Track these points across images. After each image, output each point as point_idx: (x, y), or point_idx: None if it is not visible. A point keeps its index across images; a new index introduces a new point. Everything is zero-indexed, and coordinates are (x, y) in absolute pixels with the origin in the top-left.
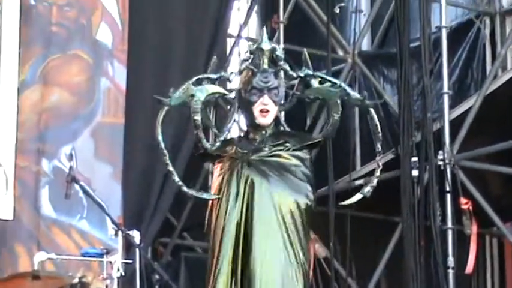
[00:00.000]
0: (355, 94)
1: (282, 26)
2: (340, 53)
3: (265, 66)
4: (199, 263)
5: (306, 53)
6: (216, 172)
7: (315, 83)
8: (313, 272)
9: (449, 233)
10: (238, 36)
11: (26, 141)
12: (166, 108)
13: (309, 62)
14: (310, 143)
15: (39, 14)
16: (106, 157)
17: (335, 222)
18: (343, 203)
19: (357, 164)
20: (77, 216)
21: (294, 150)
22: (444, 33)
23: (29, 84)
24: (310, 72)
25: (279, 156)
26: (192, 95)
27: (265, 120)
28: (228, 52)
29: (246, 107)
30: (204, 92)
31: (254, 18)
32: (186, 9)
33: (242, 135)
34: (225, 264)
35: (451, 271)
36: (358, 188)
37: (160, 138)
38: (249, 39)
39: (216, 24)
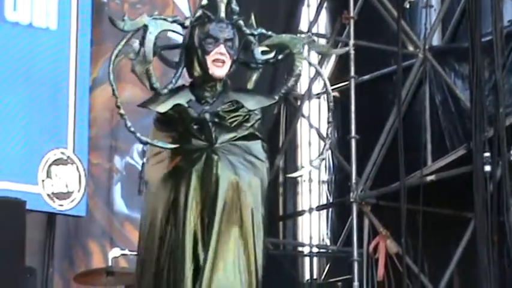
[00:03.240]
0: (320, 43)
1: (352, 22)
2: (411, 48)
3: (222, 15)
4: None
5: (253, 15)
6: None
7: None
8: (385, 269)
9: None
10: (309, 32)
11: (99, 138)
12: (123, 42)
13: (255, 25)
14: (269, 103)
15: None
16: None
17: (407, 218)
18: (290, 175)
19: (428, 160)
20: None
21: (251, 117)
22: None
23: (101, 81)
24: (264, 32)
25: (245, 137)
26: (146, 26)
27: (220, 71)
28: None
29: (198, 56)
30: (158, 26)
31: (324, 14)
32: (257, 6)
33: (187, 89)
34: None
35: None
36: (430, 184)
37: (112, 77)
38: (319, 35)
39: (287, 20)
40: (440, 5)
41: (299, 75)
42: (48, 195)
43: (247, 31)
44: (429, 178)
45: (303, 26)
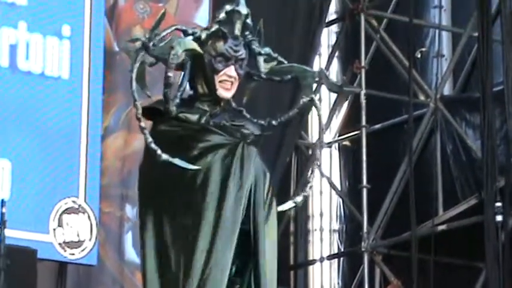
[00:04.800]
0: (333, 80)
1: (363, 71)
2: (422, 97)
3: (238, 32)
4: None
5: (262, 24)
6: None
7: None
8: None
9: None
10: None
11: (110, 187)
12: (141, 54)
13: (262, 34)
14: (267, 133)
15: (123, 60)
16: None
17: (418, 268)
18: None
19: (440, 209)
20: None
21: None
22: None
23: (112, 130)
24: (272, 53)
25: (256, 143)
26: (172, 47)
27: (228, 93)
28: None
29: (206, 74)
30: (182, 46)
31: (335, 64)
32: None
33: (185, 101)
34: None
35: None
36: (441, 233)
37: (134, 87)
38: None
39: None
40: (451, 54)
41: (303, 108)
42: (59, 244)
43: (256, 50)
44: (440, 228)
45: None
